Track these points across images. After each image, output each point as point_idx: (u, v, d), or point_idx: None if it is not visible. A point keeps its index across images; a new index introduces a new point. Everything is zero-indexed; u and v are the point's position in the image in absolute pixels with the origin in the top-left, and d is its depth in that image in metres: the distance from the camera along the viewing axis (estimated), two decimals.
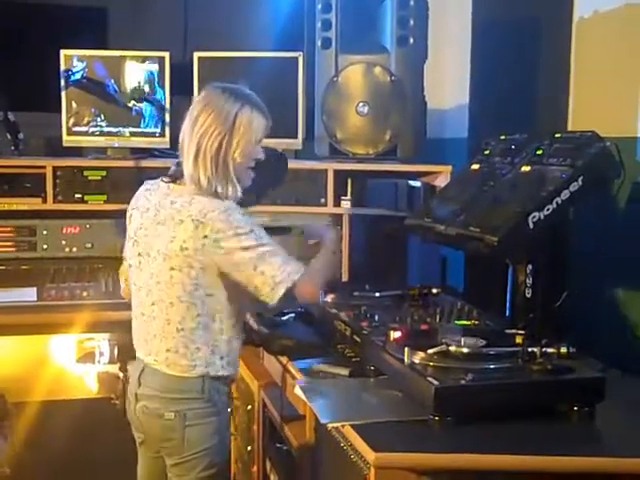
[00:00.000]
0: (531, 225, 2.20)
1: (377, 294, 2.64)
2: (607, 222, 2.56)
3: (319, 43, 3.30)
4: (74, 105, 3.47)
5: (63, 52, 3.45)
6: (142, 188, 2.40)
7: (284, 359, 2.41)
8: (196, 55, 3.51)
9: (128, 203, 3.30)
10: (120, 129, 3.48)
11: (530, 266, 2.33)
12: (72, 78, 3.46)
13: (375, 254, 3.58)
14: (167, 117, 3.46)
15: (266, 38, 3.92)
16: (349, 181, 3.35)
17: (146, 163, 3.37)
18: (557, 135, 2.47)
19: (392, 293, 2.64)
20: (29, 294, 3.21)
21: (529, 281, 2.34)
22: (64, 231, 3.35)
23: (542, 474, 1.71)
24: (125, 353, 3.33)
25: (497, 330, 2.18)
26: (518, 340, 2.05)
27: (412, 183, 3.17)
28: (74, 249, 3.34)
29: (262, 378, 2.85)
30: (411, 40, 3.20)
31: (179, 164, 2.27)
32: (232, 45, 3.65)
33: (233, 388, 2.50)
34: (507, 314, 2.43)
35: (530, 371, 1.92)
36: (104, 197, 3.35)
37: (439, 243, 2.89)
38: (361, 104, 3.25)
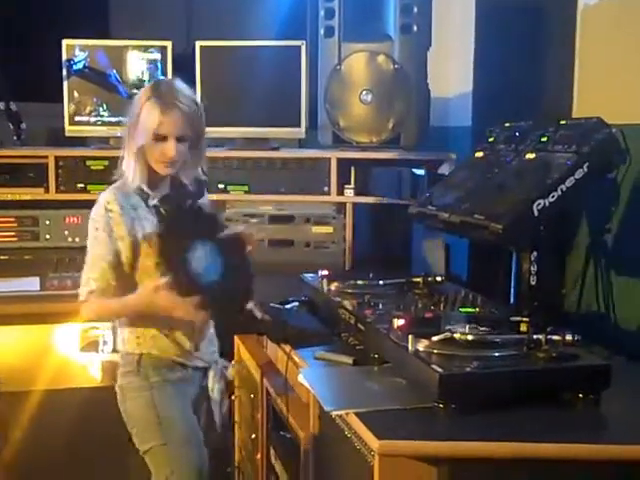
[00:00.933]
0: (536, 212, 2.19)
1: (381, 282, 2.63)
2: (612, 209, 2.54)
3: (322, 31, 3.29)
4: (76, 95, 3.46)
5: (65, 42, 3.44)
6: None
7: (288, 347, 2.40)
8: (198, 44, 3.50)
9: None
10: (122, 119, 3.45)
11: (535, 253, 2.32)
12: (74, 68, 3.45)
13: (379, 242, 3.58)
14: None
15: (269, 27, 3.91)
16: (352, 169, 3.35)
17: None
18: (562, 122, 2.46)
19: (396, 281, 2.63)
20: (32, 284, 3.22)
21: (534, 269, 2.32)
22: (67, 221, 3.35)
23: (547, 462, 1.70)
24: None
25: (502, 318, 2.17)
26: (523, 328, 2.03)
27: (416, 171, 3.16)
28: (76, 239, 3.33)
29: (265, 366, 2.84)
30: (415, 28, 3.19)
31: None
32: (235, 34, 3.64)
33: (232, 373, 2.71)
34: (512, 302, 2.43)
35: (535, 359, 1.91)
36: (106, 187, 3.32)
37: (443, 231, 2.89)
38: (364, 92, 3.24)
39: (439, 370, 1.80)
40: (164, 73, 3.44)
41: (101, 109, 3.49)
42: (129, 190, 2.37)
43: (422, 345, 1.94)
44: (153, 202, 2.39)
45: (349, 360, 2.19)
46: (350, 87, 3.26)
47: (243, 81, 3.46)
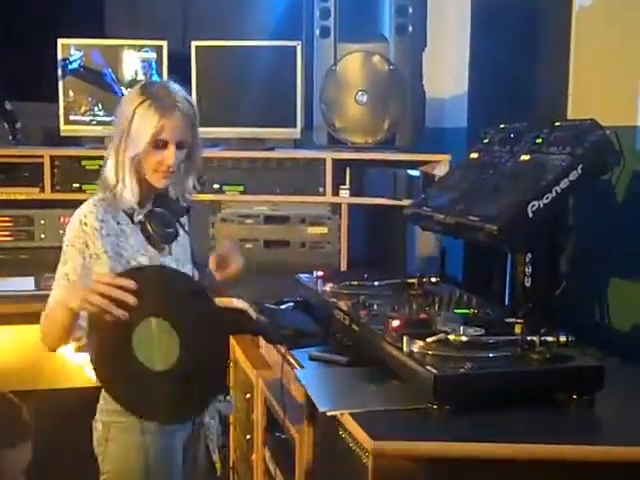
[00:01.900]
0: (530, 214, 2.20)
1: (376, 283, 2.64)
2: (606, 211, 2.55)
3: (318, 32, 3.29)
4: (71, 94, 3.46)
5: (60, 41, 3.44)
6: None
7: (283, 348, 2.40)
8: (194, 44, 3.50)
9: None
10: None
11: (529, 255, 2.33)
12: (69, 67, 3.45)
13: (374, 243, 3.59)
14: None
15: (264, 27, 3.91)
16: (348, 170, 3.35)
17: None
18: (557, 123, 2.46)
19: (391, 282, 2.63)
20: (27, 283, 3.21)
21: (528, 270, 2.33)
22: (62, 220, 3.34)
23: (541, 462, 1.71)
24: None
25: (496, 319, 2.17)
26: (517, 329, 2.04)
27: (411, 172, 3.17)
28: None
29: (260, 367, 2.85)
30: (410, 29, 3.19)
31: None
32: (230, 34, 3.64)
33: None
34: (506, 303, 2.43)
35: (529, 360, 1.92)
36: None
37: (438, 232, 2.89)
38: (360, 93, 3.24)
39: (433, 371, 1.81)
40: (159, 73, 3.44)
41: (96, 108, 3.49)
42: (115, 204, 2.14)
43: (417, 346, 1.95)
44: (139, 218, 2.16)
45: (344, 360, 2.20)
46: (345, 88, 3.26)
47: (238, 81, 3.46)
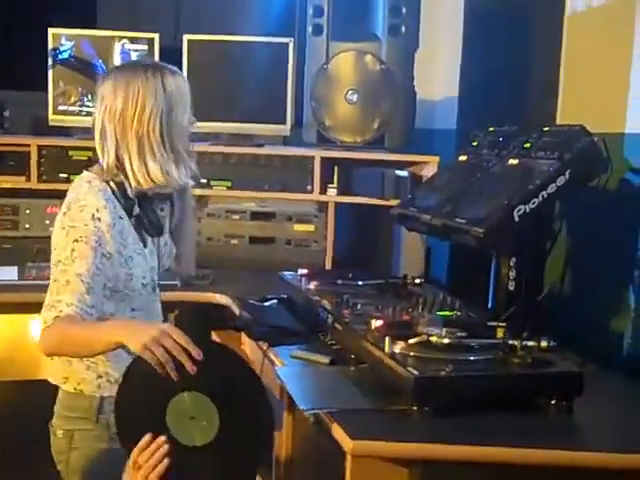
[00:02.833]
0: (517, 218, 2.20)
1: (360, 283, 2.64)
2: (592, 217, 2.56)
3: (310, 29, 3.29)
4: (61, 84, 3.44)
5: (51, 30, 3.42)
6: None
7: (264, 345, 2.40)
8: (186, 38, 3.49)
9: None
10: None
11: (514, 259, 2.33)
12: (59, 57, 3.43)
13: (360, 242, 3.58)
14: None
15: (257, 23, 3.90)
16: (336, 169, 3.35)
17: None
18: (545, 128, 2.47)
19: (375, 282, 2.63)
20: (10, 273, 3.19)
21: (512, 274, 2.34)
22: (48, 210, 3.32)
23: (518, 466, 1.71)
24: None
25: (479, 322, 2.18)
26: (499, 333, 2.04)
27: (399, 173, 3.17)
28: None
29: None
30: (403, 29, 3.20)
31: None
32: (223, 29, 3.62)
33: None
34: (489, 306, 2.44)
35: (510, 364, 1.92)
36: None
37: (424, 233, 2.90)
38: (350, 92, 3.24)
39: (414, 372, 1.81)
40: None
41: (86, 99, 3.47)
42: (119, 197, 2.00)
43: (398, 347, 1.95)
44: (136, 212, 2.04)
45: (325, 360, 2.19)
46: (336, 86, 3.26)
47: (230, 76, 3.45)
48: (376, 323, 2.08)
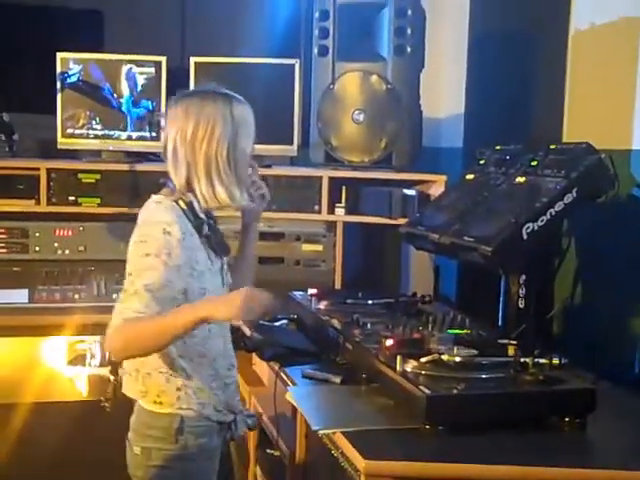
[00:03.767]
0: (525, 236, 2.21)
1: (370, 302, 2.64)
2: (600, 234, 2.56)
3: (316, 50, 3.31)
4: (69, 108, 3.46)
5: (59, 55, 3.44)
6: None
7: (276, 365, 2.40)
8: (193, 60, 3.51)
9: (122, 206, 3.33)
10: (115, 132, 3.48)
11: (523, 276, 2.34)
12: (68, 81, 3.45)
13: (368, 262, 3.59)
14: (163, 122, 3.45)
15: (263, 44, 3.93)
16: (343, 188, 3.36)
17: (141, 167, 3.36)
18: (552, 146, 2.48)
19: (385, 301, 2.64)
20: (20, 296, 3.20)
21: (522, 292, 2.34)
22: (57, 233, 3.33)
23: None
24: None
25: (489, 340, 2.18)
26: (510, 350, 2.05)
27: (406, 192, 3.18)
28: (66, 251, 3.33)
29: (254, 384, 2.84)
30: (408, 49, 3.21)
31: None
32: (229, 51, 3.65)
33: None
34: (499, 324, 2.44)
35: (522, 382, 1.92)
36: (98, 200, 3.34)
37: (433, 252, 2.90)
38: (357, 112, 3.26)
39: (427, 391, 1.81)
40: (158, 88, 3.45)
41: (94, 122, 3.49)
42: (189, 215, 2.05)
43: (410, 366, 1.95)
44: (205, 230, 2.08)
45: (337, 379, 2.20)
46: (343, 106, 3.28)
47: None
48: (387, 342, 2.09)
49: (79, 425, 3.25)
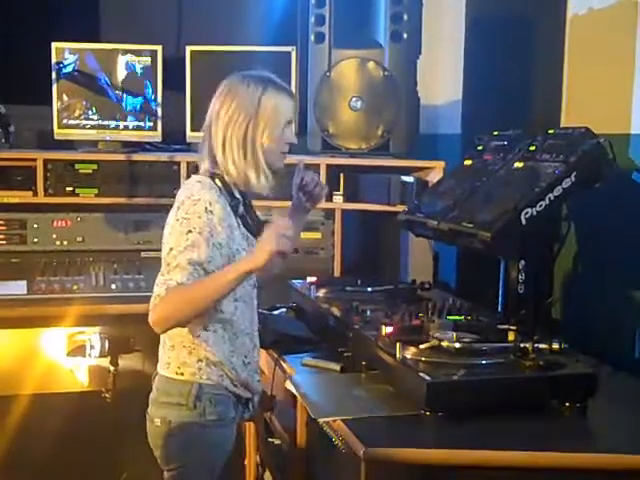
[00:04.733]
0: (524, 221, 2.21)
1: (369, 289, 2.64)
2: (600, 218, 2.56)
3: (312, 38, 3.29)
4: (65, 98, 3.45)
5: (55, 45, 3.43)
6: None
7: (275, 353, 2.40)
8: (189, 49, 3.50)
9: (119, 196, 3.32)
10: (112, 122, 3.46)
11: (522, 262, 2.34)
12: (63, 71, 3.44)
13: (367, 249, 3.58)
14: (159, 111, 3.44)
15: (259, 32, 3.90)
16: (341, 176, 3.35)
17: (137, 157, 3.35)
18: (550, 131, 2.48)
19: (384, 288, 2.64)
20: (19, 287, 3.19)
21: (521, 277, 2.34)
22: (55, 224, 3.32)
23: (533, 470, 1.71)
24: (116, 346, 3.32)
25: (489, 326, 2.18)
26: (510, 336, 2.05)
27: (405, 178, 3.17)
28: (65, 242, 3.32)
29: None
30: (405, 36, 3.19)
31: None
32: (225, 39, 3.63)
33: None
34: (499, 310, 2.44)
35: (522, 367, 1.92)
36: (95, 190, 3.33)
37: (432, 238, 2.90)
38: (354, 99, 3.24)
39: (427, 378, 1.81)
40: (154, 77, 3.43)
41: (90, 112, 3.47)
42: (226, 195, 2.10)
43: (410, 353, 1.95)
44: (241, 211, 2.15)
45: (337, 367, 2.20)
46: (340, 93, 3.26)
47: None
48: (386, 329, 2.09)
49: (79, 416, 3.25)
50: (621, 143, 2.42)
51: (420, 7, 3.28)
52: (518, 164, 2.46)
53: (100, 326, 3.32)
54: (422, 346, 1.96)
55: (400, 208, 2.97)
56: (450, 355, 1.95)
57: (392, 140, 3.23)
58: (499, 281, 2.43)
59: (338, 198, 3.33)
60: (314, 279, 2.76)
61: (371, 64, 3.22)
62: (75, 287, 3.23)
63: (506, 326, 2.10)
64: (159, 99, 3.44)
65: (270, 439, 2.61)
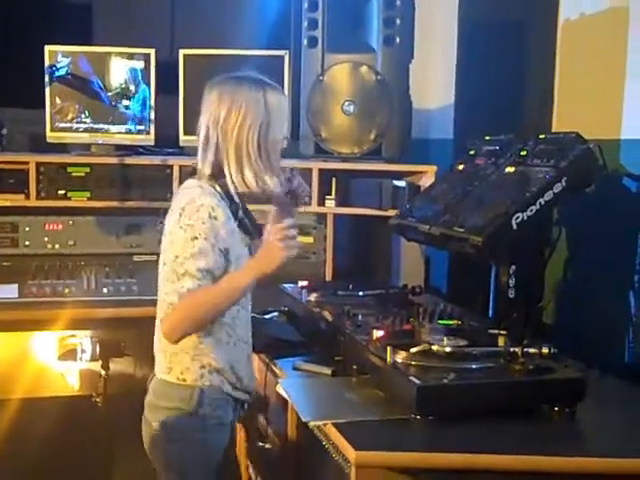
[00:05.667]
0: (515, 226, 2.21)
1: (360, 293, 2.64)
2: (590, 223, 2.57)
3: (305, 42, 3.30)
4: (58, 101, 3.44)
5: (47, 48, 3.42)
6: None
7: (267, 357, 2.40)
8: (182, 52, 3.50)
9: (112, 200, 3.32)
10: (104, 126, 3.46)
11: (513, 267, 2.34)
12: (56, 74, 3.43)
13: (359, 253, 3.59)
14: (152, 114, 3.44)
15: (252, 36, 3.91)
16: (334, 180, 3.35)
17: (130, 160, 3.35)
18: (541, 136, 2.48)
19: (375, 292, 2.64)
20: (10, 290, 3.19)
21: (512, 282, 2.34)
22: (47, 227, 3.32)
23: (523, 473, 1.71)
24: (107, 350, 3.31)
25: (480, 330, 2.18)
26: (500, 340, 2.05)
27: (397, 183, 3.17)
28: (56, 246, 3.31)
29: None
30: (397, 40, 3.20)
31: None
32: (218, 43, 3.63)
33: None
34: (490, 314, 2.44)
35: (512, 371, 1.93)
36: (87, 194, 3.32)
37: (423, 243, 2.90)
38: (347, 103, 3.25)
39: (417, 382, 1.81)
40: (147, 81, 3.43)
41: (83, 115, 3.47)
42: (226, 199, 2.09)
43: (400, 357, 1.95)
44: (240, 215, 2.14)
45: (328, 371, 2.20)
46: (332, 98, 3.27)
47: None
48: (377, 333, 2.09)
49: (70, 420, 3.25)
50: (611, 148, 2.43)
51: (413, 11, 3.29)
52: (509, 169, 2.47)
53: (91, 330, 3.32)
54: (413, 350, 1.97)
55: (392, 212, 2.97)
56: (440, 359, 1.95)
57: (384, 144, 3.24)
58: (490, 286, 2.44)
59: (330, 202, 3.33)
60: (306, 283, 2.77)
61: (364, 68, 3.22)
62: (67, 291, 3.23)
63: (496, 331, 2.11)
64: (152, 102, 3.44)
65: (261, 443, 2.61)
